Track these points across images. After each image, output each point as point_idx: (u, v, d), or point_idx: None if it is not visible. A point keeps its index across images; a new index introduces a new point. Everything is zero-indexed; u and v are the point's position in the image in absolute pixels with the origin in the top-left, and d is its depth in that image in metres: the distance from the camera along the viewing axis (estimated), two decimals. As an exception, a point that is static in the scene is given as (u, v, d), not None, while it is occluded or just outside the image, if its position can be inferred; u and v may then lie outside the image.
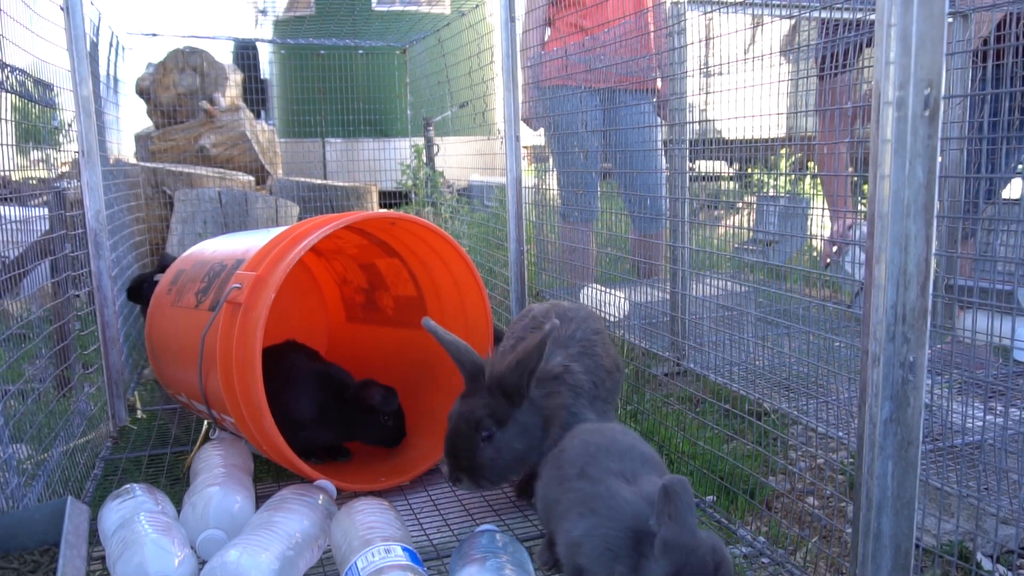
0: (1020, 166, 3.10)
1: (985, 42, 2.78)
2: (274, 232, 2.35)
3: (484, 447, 1.87)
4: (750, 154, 2.38)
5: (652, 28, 3.19)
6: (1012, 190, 3.02)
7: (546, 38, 4.13)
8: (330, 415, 2.41)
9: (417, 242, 2.56)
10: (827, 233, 2.92)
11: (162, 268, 3.76)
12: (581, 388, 2.02)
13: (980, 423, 2.26)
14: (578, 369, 2.04)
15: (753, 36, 2.38)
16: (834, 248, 2.86)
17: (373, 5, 8.05)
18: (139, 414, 3.00)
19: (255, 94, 7.89)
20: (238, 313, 2.09)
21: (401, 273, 2.74)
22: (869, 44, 2.04)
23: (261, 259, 2.18)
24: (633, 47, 3.01)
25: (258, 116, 8.16)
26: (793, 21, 2.44)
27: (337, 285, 3.16)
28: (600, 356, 2.13)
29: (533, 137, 4.43)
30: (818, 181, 3.04)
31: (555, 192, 3.74)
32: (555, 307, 2.27)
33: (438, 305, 2.69)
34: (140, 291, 3.72)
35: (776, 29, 2.42)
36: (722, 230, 2.81)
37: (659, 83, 3.75)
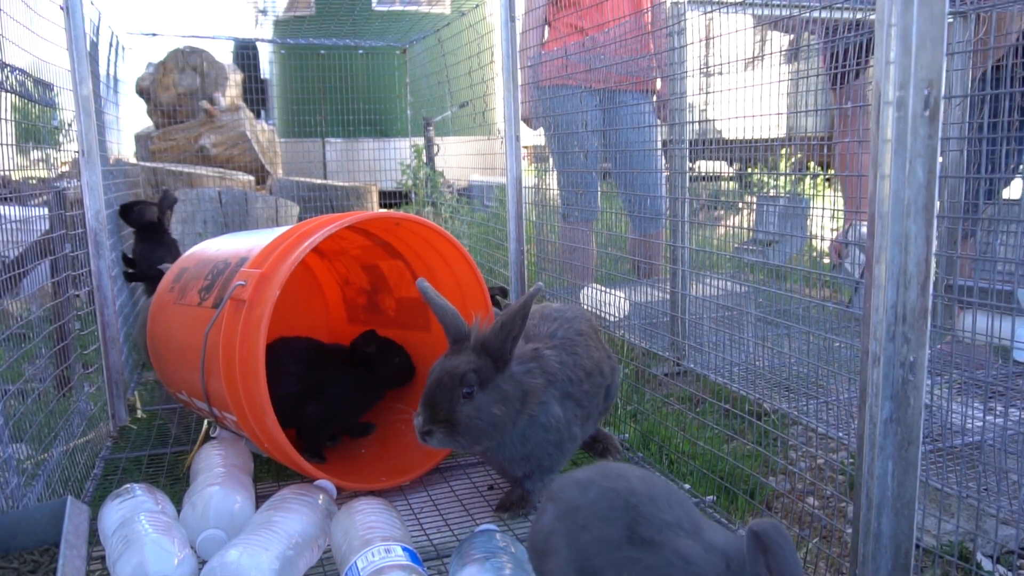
0: (1022, 166, 3.10)
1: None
2: (277, 231, 2.35)
3: (464, 403, 1.87)
4: (750, 154, 2.38)
5: (650, 29, 3.19)
6: (1012, 190, 3.02)
7: (545, 38, 4.13)
8: (363, 380, 2.55)
9: (421, 244, 2.56)
10: (832, 233, 2.92)
11: (161, 203, 3.97)
12: (554, 376, 2.02)
13: (980, 423, 2.26)
14: (553, 357, 2.04)
15: (759, 38, 2.37)
16: (843, 248, 2.86)
17: (373, 5, 8.05)
18: (139, 414, 3.00)
19: (255, 94, 7.90)
20: (242, 310, 2.08)
21: (404, 275, 2.74)
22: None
23: (266, 257, 2.18)
24: (631, 48, 3.01)
25: (258, 116, 8.17)
26: (793, 23, 2.44)
27: (339, 287, 3.16)
28: (580, 356, 2.12)
29: (533, 137, 4.43)
30: (818, 181, 3.04)
31: (555, 192, 3.74)
32: (544, 307, 2.27)
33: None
34: (130, 212, 3.93)
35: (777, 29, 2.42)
36: (722, 230, 2.81)
37: (658, 83, 3.75)
